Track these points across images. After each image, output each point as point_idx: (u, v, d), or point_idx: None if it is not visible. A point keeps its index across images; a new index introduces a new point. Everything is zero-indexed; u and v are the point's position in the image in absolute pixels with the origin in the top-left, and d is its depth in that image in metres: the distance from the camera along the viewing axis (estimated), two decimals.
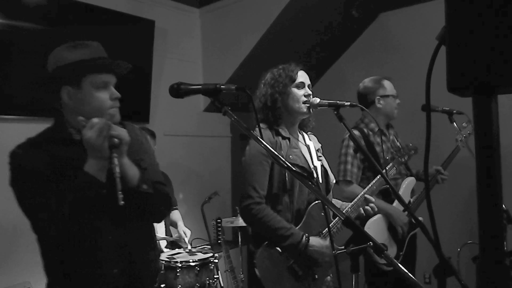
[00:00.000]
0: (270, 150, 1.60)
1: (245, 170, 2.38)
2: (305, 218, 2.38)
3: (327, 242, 2.34)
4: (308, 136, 2.63)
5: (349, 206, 2.50)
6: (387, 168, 2.89)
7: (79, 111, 1.77)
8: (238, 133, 5.31)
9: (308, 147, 2.55)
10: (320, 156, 2.58)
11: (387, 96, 3.32)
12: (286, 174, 2.36)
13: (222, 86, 1.64)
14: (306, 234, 2.29)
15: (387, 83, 3.36)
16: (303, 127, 2.62)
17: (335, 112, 2.15)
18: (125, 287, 1.85)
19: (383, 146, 3.28)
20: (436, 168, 3.37)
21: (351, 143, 3.24)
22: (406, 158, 2.98)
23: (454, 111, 3.07)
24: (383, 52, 4.99)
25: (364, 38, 5.22)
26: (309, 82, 2.50)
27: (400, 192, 3.22)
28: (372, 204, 2.50)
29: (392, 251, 3.18)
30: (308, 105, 2.42)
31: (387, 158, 2.98)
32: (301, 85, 2.46)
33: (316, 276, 2.37)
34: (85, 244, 1.78)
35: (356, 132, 3.25)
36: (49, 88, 1.83)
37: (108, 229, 1.81)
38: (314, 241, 2.30)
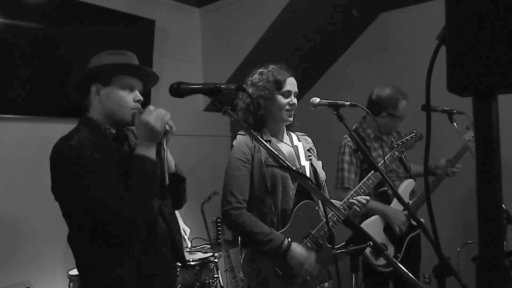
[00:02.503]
0: (269, 149, 1.60)
1: (225, 176, 2.44)
2: (292, 218, 2.37)
3: (310, 253, 2.31)
4: (297, 137, 2.64)
5: (340, 204, 2.48)
6: (385, 158, 2.89)
7: (104, 107, 1.93)
8: (237, 132, 5.31)
9: (296, 147, 2.55)
10: (310, 156, 2.59)
11: (394, 116, 3.32)
12: (266, 176, 2.36)
13: (222, 86, 1.65)
14: (289, 239, 2.27)
15: (402, 105, 3.33)
16: (290, 128, 2.62)
17: (335, 112, 2.15)
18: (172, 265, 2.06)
19: (382, 150, 3.27)
20: (447, 159, 3.37)
21: (347, 150, 3.25)
22: (404, 150, 2.97)
23: (454, 111, 3.06)
24: (383, 52, 4.99)
25: (365, 38, 5.22)
26: (296, 90, 2.48)
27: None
28: (353, 200, 2.46)
29: (389, 252, 3.17)
30: (291, 113, 2.44)
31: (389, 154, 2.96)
32: (288, 94, 2.45)
33: (308, 278, 2.34)
34: (148, 226, 1.89)
35: (348, 144, 3.26)
36: (82, 86, 1.95)
37: (157, 205, 1.97)
38: (296, 248, 2.28)
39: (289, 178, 2.37)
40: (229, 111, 1.61)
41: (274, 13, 4.19)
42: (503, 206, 2.03)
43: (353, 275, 2.64)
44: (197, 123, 4.97)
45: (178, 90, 1.66)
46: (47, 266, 3.61)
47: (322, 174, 2.55)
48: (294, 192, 2.39)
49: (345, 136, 3.29)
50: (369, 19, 5.09)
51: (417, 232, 3.29)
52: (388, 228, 3.20)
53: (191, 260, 3.20)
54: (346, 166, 3.23)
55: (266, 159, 2.36)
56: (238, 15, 4.60)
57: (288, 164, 1.58)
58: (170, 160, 2.02)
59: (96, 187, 1.73)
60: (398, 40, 4.89)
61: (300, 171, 2.40)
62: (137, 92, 1.98)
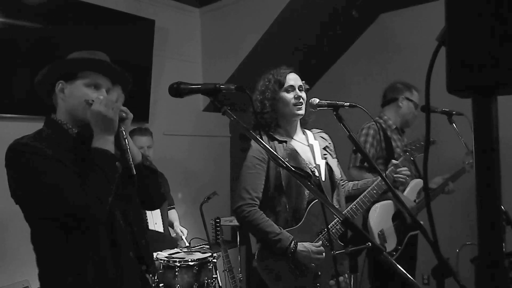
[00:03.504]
0: (268, 149, 1.60)
1: (241, 173, 2.45)
2: (306, 216, 2.40)
3: (318, 247, 2.37)
4: (313, 135, 2.65)
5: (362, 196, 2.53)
6: (399, 160, 2.83)
7: (67, 106, 1.84)
8: (237, 133, 5.32)
9: (311, 146, 2.57)
10: (326, 154, 2.60)
11: (411, 101, 3.38)
12: (282, 175, 2.40)
13: (221, 86, 1.65)
14: (295, 240, 2.32)
15: (415, 92, 3.44)
16: (305, 125, 2.64)
17: (335, 113, 2.16)
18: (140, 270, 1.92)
19: (399, 143, 3.37)
20: (443, 178, 3.43)
21: (371, 132, 3.28)
22: (416, 153, 2.94)
23: (454, 112, 3.06)
24: (383, 53, 4.99)
25: (364, 39, 5.22)
26: (300, 83, 2.51)
27: (405, 193, 3.26)
28: (400, 170, 2.58)
29: (391, 242, 3.19)
30: (299, 106, 2.46)
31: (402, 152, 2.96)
32: (291, 89, 2.48)
33: (319, 273, 2.39)
34: (107, 226, 1.78)
35: (373, 126, 3.31)
36: (47, 82, 1.87)
37: (119, 208, 1.85)
38: (302, 246, 2.33)
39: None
40: (229, 111, 1.61)
41: (274, 13, 4.20)
42: (502, 207, 2.04)
43: (352, 275, 2.65)
44: (196, 123, 4.98)
45: (178, 90, 1.66)
46: None
47: (337, 173, 2.57)
48: (309, 191, 2.40)
49: (371, 122, 3.33)
50: (369, 20, 5.09)
51: (417, 232, 3.30)
52: (397, 218, 3.22)
53: (189, 260, 3.20)
54: (368, 146, 3.30)
55: (283, 159, 2.38)
56: (238, 15, 4.60)
57: (287, 164, 1.58)
58: (135, 150, 1.90)
59: (53, 183, 1.65)
60: (398, 41, 4.89)
61: (315, 170, 2.46)
62: (104, 91, 1.85)
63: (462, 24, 0.75)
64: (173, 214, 4.02)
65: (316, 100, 2.35)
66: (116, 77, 1.93)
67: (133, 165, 1.76)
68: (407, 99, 3.40)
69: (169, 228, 3.94)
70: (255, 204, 2.38)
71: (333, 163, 2.60)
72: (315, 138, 2.64)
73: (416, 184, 3.33)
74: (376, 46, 5.07)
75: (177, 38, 4.78)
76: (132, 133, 3.74)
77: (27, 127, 3.59)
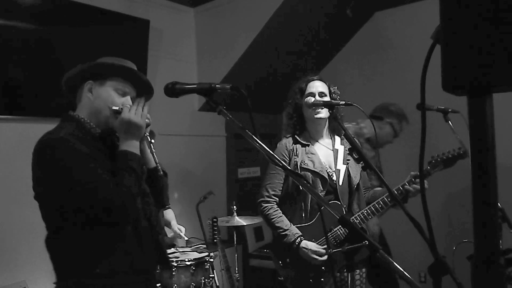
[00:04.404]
0: (264, 149, 1.60)
1: (265, 171, 2.76)
2: (318, 215, 2.56)
3: (320, 248, 2.54)
4: (341, 139, 2.78)
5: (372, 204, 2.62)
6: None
7: (92, 105, 1.90)
8: (232, 132, 5.31)
9: (336, 151, 2.72)
10: (349, 160, 2.71)
11: (394, 129, 3.40)
12: None
13: (216, 86, 1.64)
14: (301, 237, 2.54)
15: (404, 123, 3.49)
16: (335, 131, 2.78)
17: (330, 111, 2.17)
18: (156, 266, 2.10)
19: (367, 153, 3.40)
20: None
21: None
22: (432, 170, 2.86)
23: (449, 110, 3.06)
24: (378, 51, 5.00)
25: (359, 37, 5.23)
26: (321, 90, 2.66)
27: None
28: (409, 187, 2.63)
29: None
30: (318, 111, 2.61)
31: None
32: (311, 95, 2.65)
33: (323, 268, 2.56)
34: (133, 224, 1.87)
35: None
36: (77, 81, 1.93)
37: (141, 209, 1.95)
38: (305, 244, 2.54)
39: (319, 180, 2.58)
40: (224, 110, 1.60)
41: (268, 12, 4.20)
42: (498, 204, 2.03)
43: (349, 274, 2.66)
44: (192, 123, 4.97)
45: (173, 90, 1.65)
46: (43, 266, 3.58)
47: (355, 179, 2.67)
48: (324, 193, 2.58)
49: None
50: (363, 18, 5.09)
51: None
52: None
53: (186, 260, 3.19)
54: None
55: (302, 162, 2.61)
56: (233, 15, 4.60)
57: (283, 163, 1.58)
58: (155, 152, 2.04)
59: (88, 180, 1.70)
60: (393, 39, 4.90)
61: (333, 174, 2.63)
62: (128, 98, 1.95)
63: (457, 22, 0.75)
64: (169, 214, 4.01)
65: (311, 99, 2.36)
66: (142, 87, 2.02)
67: (159, 166, 1.95)
68: (391, 125, 3.39)
69: (166, 228, 3.93)
70: (272, 201, 2.68)
71: (355, 169, 2.69)
72: (341, 143, 2.76)
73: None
74: (370, 44, 5.08)
75: (172, 38, 4.77)
76: None
77: (26, 128, 3.61)
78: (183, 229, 3.80)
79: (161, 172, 1.98)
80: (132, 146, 1.84)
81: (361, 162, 2.68)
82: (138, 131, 1.85)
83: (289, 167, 1.62)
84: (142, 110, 1.87)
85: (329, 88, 2.71)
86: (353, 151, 3.21)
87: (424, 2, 4.57)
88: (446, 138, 3.30)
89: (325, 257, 2.50)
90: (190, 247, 3.66)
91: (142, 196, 1.95)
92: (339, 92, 2.75)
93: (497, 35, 0.71)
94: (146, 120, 1.89)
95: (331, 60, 5.44)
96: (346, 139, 3.10)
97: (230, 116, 1.59)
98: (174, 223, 3.91)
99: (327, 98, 2.63)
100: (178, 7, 4.82)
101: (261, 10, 4.27)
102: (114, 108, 1.87)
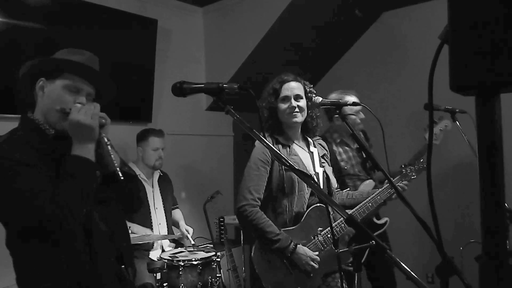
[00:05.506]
0: (272, 149, 1.60)
1: (244, 173, 2.53)
2: (304, 219, 2.50)
3: (314, 252, 2.47)
4: (314, 143, 2.71)
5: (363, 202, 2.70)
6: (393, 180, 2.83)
7: (43, 106, 1.77)
8: (240, 132, 5.31)
9: (311, 154, 2.64)
10: (324, 163, 2.67)
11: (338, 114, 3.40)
12: (285, 178, 2.48)
13: (224, 85, 1.64)
14: (294, 242, 2.42)
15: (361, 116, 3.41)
16: (309, 134, 2.69)
17: (337, 111, 2.16)
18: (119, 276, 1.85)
19: (344, 155, 3.36)
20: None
21: None
22: (414, 173, 2.90)
23: (457, 110, 3.06)
24: (385, 51, 4.98)
25: (367, 37, 5.21)
26: (296, 93, 2.55)
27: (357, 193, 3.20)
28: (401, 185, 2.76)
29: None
30: (294, 114, 2.52)
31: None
32: (286, 99, 2.55)
33: (311, 275, 2.47)
34: (85, 230, 1.73)
35: (321, 141, 3.26)
36: (31, 79, 1.80)
37: (98, 212, 1.80)
38: (301, 249, 2.43)
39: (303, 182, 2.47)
40: (232, 110, 1.61)
41: (276, 12, 4.19)
42: (506, 205, 2.03)
43: (356, 274, 2.64)
44: (200, 122, 4.98)
45: (181, 90, 1.65)
46: None
47: (333, 181, 2.66)
48: (309, 195, 2.52)
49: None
50: (371, 18, 5.08)
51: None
52: None
53: (193, 259, 3.20)
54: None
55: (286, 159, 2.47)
56: (241, 14, 4.60)
57: (291, 163, 1.58)
58: (115, 156, 1.81)
59: (23, 189, 1.56)
60: (401, 39, 4.88)
61: (314, 177, 2.53)
62: (82, 98, 1.77)
63: (465, 22, 0.75)
64: (177, 214, 4.03)
65: (319, 99, 2.35)
66: (98, 83, 1.86)
67: (119, 170, 1.72)
68: (336, 115, 3.39)
69: (174, 227, 3.95)
70: (256, 204, 2.46)
71: (329, 171, 2.68)
72: (314, 146, 2.70)
73: (365, 185, 3.29)
74: (378, 44, 5.06)
75: (180, 37, 4.77)
76: (148, 134, 3.76)
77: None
78: (190, 230, 3.81)
79: (121, 177, 1.73)
80: (84, 149, 1.67)
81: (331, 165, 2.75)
82: (89, 133, 1.67)
83: (294, 166, 1.60)
84: (94, 109, 1.70)
85: (304, 88, 2.60)
86: (360, 151, 3.22)
87: (431, 2, 4.55)
88: (454, 138, 3.29)
89: (317, 265, 2.45)
90: (198, 246, 3.66)
91: (98, 202, 1.79)
92: (314, 91, 2.62)
93: (505, 35, 0.71)
94: (102, 120, 1.73)
95: (340, 59, 5.43)
96: (354, 139, 3.10)
97: (238, 116, 1.59)
98: (182, 223, 3.92)
99: (303, 101, 2.54)
100: (186, 6, 4.83)
101: (269, 10, 4.27)
102: (61, 108, 1.72)
